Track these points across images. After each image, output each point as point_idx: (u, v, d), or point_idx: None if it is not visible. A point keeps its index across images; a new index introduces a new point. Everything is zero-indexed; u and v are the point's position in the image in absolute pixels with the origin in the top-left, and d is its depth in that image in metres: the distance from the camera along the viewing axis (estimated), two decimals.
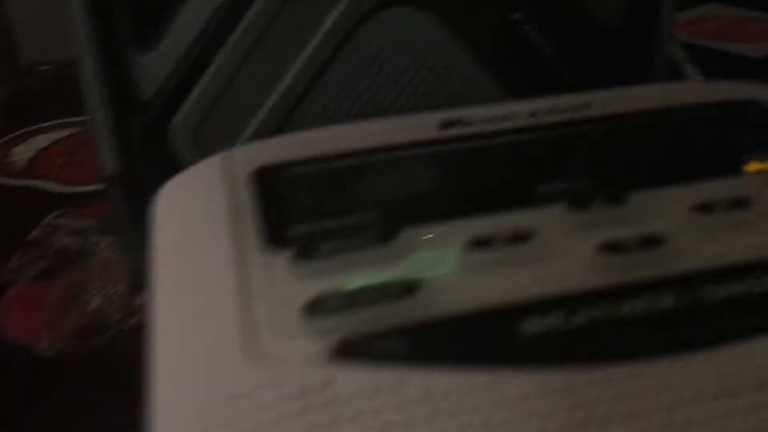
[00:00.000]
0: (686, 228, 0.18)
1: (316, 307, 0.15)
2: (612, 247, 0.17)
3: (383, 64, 0.26)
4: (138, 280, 0.23)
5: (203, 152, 0.24)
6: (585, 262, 0.17)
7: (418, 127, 0.22)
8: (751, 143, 0.22)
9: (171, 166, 0.22)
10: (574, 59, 0.27)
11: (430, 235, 0.18)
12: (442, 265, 0.17)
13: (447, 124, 0.22)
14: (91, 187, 0.38)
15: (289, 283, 0.16)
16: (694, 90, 0.25)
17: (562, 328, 0.15)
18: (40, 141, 0.44)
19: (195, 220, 0.19)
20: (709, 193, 0.19)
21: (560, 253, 0.17)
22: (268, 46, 0.25)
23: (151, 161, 0.25)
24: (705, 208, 0.18)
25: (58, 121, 0.46)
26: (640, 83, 0.27)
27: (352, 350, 0.15)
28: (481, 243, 0.17)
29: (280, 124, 0.26)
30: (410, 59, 0.26)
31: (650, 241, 0.17)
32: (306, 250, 0.17)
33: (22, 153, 0.44)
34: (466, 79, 0.26)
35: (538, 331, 0.15)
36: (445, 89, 0.26)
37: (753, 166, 0.20)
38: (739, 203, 0.18)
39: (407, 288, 0.16)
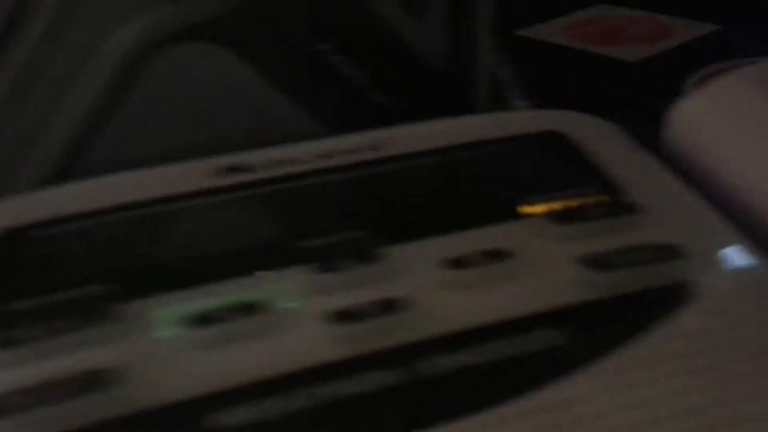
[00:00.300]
0: (434, 287, 0.16)
1: None
2: (348, 316, 0.15)
3: (181, 102, 0.24)
4: None
5: None
6: (317, 335, 0.15)
7: (190, 175, 0.21)
8: (536, 182, 0.21)
9: None
10: (390, 89, 0.26)
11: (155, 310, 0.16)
12: (158, 348, 0.15)
13: (225, 171, 0.21)
14: None
15: None
16: (497, 122, 0.23)
17: (264, 416, 0.14)
18: None
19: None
20: (466, 244, 0.17)
21: (294, 326, 0.16)
22: (41, 83, 0.23)
23: None
24: (458, 263, 0.17)
25: None
26: (461, 111, 0.26)
27: None
28: (206, 319, 0.16)
29: (63, 169, 0.24)
30: (214, 97, 0.24)
31: (390, 306, 0.16)
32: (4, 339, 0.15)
33: None
34: (279, 116, 0.25)
35: (236, 423, 0.14)
36: (258, 127, 0.25)
37: (528, 209, 0.20)
38: (496, 255, 0.17)
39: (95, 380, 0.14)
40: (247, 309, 0.16)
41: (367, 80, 0.25)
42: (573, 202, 0.20)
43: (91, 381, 0.14)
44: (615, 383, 0.15)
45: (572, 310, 0.16)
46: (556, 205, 0.20)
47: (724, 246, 0.18)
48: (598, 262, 0.17)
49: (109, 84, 0.23)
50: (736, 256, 0.18)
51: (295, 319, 0.16)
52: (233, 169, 0.21)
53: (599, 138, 0.23)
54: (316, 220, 0.19)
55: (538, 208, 0.19)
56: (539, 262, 0.17)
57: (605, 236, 0.18)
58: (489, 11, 0.26)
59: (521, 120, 0.24)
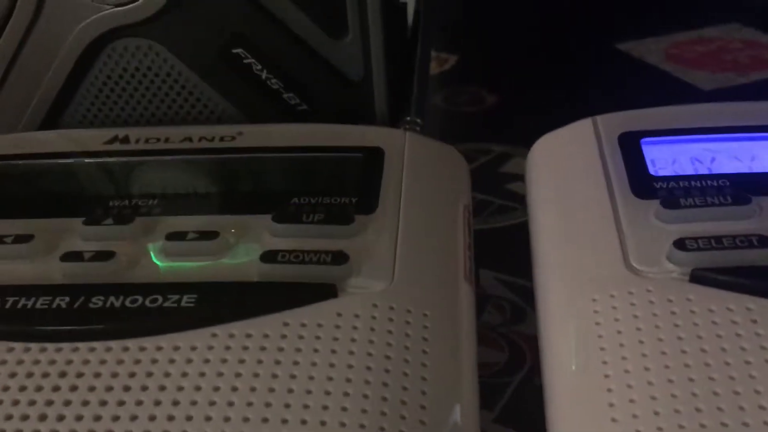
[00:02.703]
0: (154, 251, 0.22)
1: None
2: (75, 257, 0.22)
3: (125, 89, 0.31)
4: None
5: None
6: (53, 266, 0.22)
7: (86, 140, 0.28)
8: (320, 184, 0.25)
9: None
10: (300, 93, 0.31)
11: None
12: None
13: (113, 140, 0.28)
14: None
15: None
16: (341, 133, 0.27)
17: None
18: None
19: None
20: (202, 223, 0.23)
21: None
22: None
23: None
24: (176, 235, 0.22)
25: None
26: (359, 120, 0.30)
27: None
28: None
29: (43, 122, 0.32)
30: (154, 88, 0.31)
31: (107, 256, 0.22)
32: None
33: None
34: (213, 109, 0.31)
35: None
36: (193, 116, 0.31)
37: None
38: (207, 235, 0.22)
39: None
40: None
41: (279, 83, 0.31)
42: (321, 207, 0.24)
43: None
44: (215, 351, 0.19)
45: (223, 285, 0.21)
46: (306, 207, 0.24)
47: (386, 265, 0.22)
48: (270, 256, 0.22)
49: (66, 70, 0.30)
50: (386, 273, 0.21)
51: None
52: (120, 140, 0.28)
53: (422, 162, 0.27)
54: (125, 187, 0.26)
55: (291, 208, 0.24)
56: (235, 249, 0.22)
57: (302, 237, 0.22)
58: (381, 38, 0.29)
59: (367, 134, 0.28)
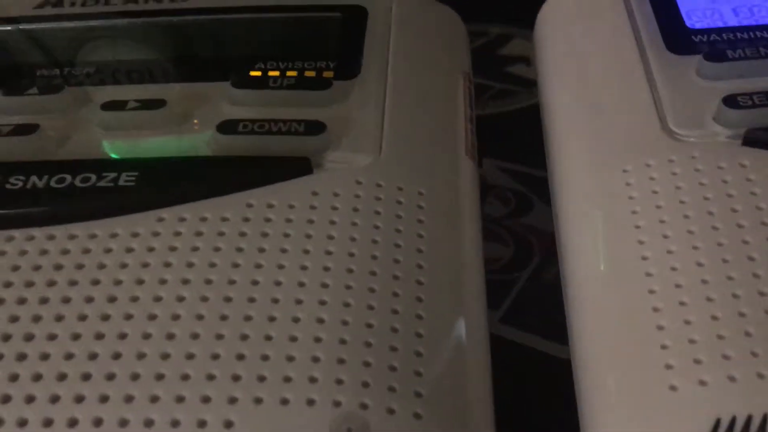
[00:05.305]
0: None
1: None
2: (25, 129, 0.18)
3: None
4: None
5: None
6: None
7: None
8: (291, 48, 0.21)
9: None
10: None
11: None
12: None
13: (44, 4, 0.23)
14: None
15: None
16: None
17: None
18: None
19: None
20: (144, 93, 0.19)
21: None
22: None
23: None
24: (114, 104, 0.18)
25: None
26: None
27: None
28: None
29: None
30: None
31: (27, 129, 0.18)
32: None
33: None
34: None
35: None
36: None
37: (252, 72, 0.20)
38: (152, 104, 0.18)
39: None
40: None
41: None
42: (292, 72, 0.20)
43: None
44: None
45: (170, 161, 0.17)
46: (275, 72, 0.20)
47: (372, 138, 0.18)
48: (229, 126, 0.18)
49: None
50: (373, 145, 0.18)
51: None
52: (52, 3, 0.23)
53: (413, 22, 0.23)
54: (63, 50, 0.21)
55: (257, 72, 0.20)
56: (186, 120, 0.18)
57: (269, 106, 0.18)
58: None
59: None
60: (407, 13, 0.23)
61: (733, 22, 0.21)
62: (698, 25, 0.21)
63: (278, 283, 0.15)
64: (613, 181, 0.17)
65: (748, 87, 0.18)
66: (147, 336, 0.14)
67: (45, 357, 0.14)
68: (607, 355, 0.15)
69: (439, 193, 0.18)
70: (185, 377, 0.13)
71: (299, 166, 0.17)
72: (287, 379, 0.13)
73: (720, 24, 0.21)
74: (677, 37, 0.20)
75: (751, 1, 0.21)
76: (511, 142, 0.28)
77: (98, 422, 0.13)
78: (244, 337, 0.14)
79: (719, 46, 0.20)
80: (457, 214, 0.18)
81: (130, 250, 0.16)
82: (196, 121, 0.18)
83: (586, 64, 0.21)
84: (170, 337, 0.14)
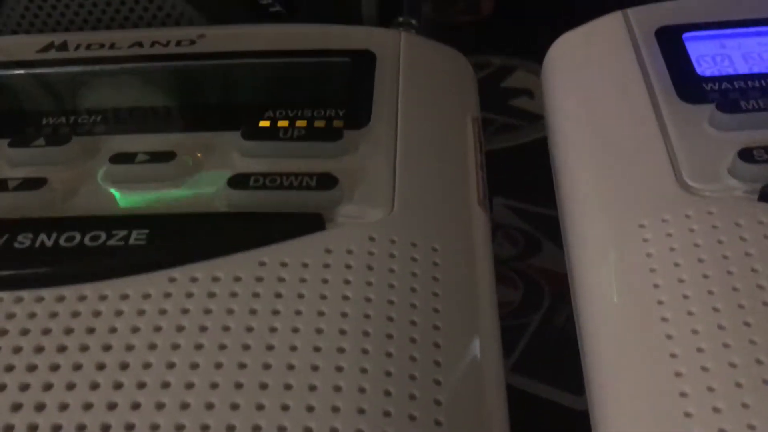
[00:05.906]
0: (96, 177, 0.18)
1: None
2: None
3: None
4: None
5: None
6: None
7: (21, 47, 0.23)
8: (300, 95, 0.21)
9: None
10: None
11: None
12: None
13: (48, 48, 0.23)
14: None
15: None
16: (325, 34, 0.23)
17: None
18: None
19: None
20: (156, 144, 0.19)
21: None
22: None
23: None
24: (123, 157, 0.18)
25: None
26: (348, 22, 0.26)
27: None
28: None
29: None
30: None
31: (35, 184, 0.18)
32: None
33: None
34: (170, 12, 0.26)
35: None
36: (146, 21, 0.27)
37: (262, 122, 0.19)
38: (161, 157, 0.18)
39: None
40: None
41: None
42: (302, 121, 0.20)
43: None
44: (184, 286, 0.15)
45: (182, 217, 0.17)
46: (284, 122, 0.20)
47: (384, 192, 0.18)
48: (240, 181, 0.17)
49: None
50: (385, 199, 0.17)
51: None
52: (56, 47, 0.23)
53: (421, 67, 0.22)
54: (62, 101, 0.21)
55: (266, 122, 0.20)
56: (196, 173, 0.18)
57: (280, 157, 0.18)
58: None
59: (355, 34, 0.23)
60: (415, 56, 0.23)
61: (743, 69, 0.21)
62: (708, 73, 0.21)
63: (294, 348, 0.15)
64: (629, 237, 0.17)
65: (762, 139, 0.18)
66: (161, 406, 0.14)
67: (57, 429, 0.14)
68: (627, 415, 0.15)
69: (454, 249, 0.17)
70: None
71: (312, 222, 0.17)
72: None
73: (731, 71, 0.21)
74: (688, 85, 0.20)
75: (760, 47, 0.21)
76: (517, 179, 0.28)
77: None
78: (260, 407, 0.14)
79: (731, 95, 0.20)
80: (473, 269, 0.17)
81: (141, 312, 0.15)
82: (206, 174, 0.18)
83: (598, 109, 0.21)
84: (184, 406, 0.14)
